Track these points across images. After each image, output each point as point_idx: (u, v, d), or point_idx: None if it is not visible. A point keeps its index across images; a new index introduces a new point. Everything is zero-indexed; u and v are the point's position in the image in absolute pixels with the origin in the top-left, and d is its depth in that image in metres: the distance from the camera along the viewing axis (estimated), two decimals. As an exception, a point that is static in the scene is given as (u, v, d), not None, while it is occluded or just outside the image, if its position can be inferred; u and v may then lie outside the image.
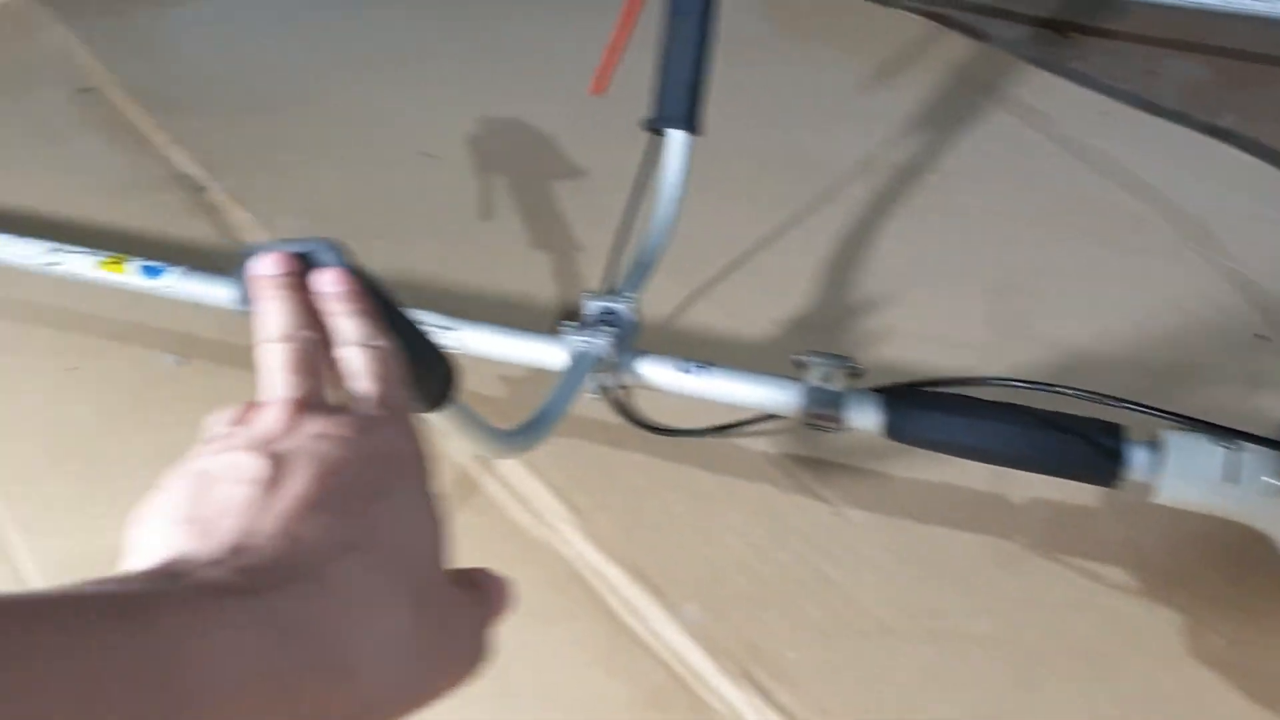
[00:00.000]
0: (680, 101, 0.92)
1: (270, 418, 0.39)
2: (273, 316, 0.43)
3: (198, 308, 0.89)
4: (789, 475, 0.88)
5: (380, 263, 1.05)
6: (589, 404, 0.88)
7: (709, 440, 0.89)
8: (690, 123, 0.93)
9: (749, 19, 1.47)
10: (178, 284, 0.88)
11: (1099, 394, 0.72)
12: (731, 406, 0.82)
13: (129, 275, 0.88)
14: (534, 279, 1.07)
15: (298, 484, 0.35)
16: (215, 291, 0.88)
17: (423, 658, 0.35)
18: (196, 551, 0.33)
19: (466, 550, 0.82)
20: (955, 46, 1.43)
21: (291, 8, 1.58)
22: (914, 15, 1.50)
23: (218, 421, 0.40)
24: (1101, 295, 1.04)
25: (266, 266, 0.45)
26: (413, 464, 0.40)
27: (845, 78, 1.37)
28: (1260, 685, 0.73)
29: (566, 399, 0.76)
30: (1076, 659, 0.75)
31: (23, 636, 0.26)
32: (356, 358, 0.43)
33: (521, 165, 1.25)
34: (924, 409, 0.76)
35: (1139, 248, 1.10)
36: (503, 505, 0.84)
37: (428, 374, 0.54)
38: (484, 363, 0.86)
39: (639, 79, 0.96)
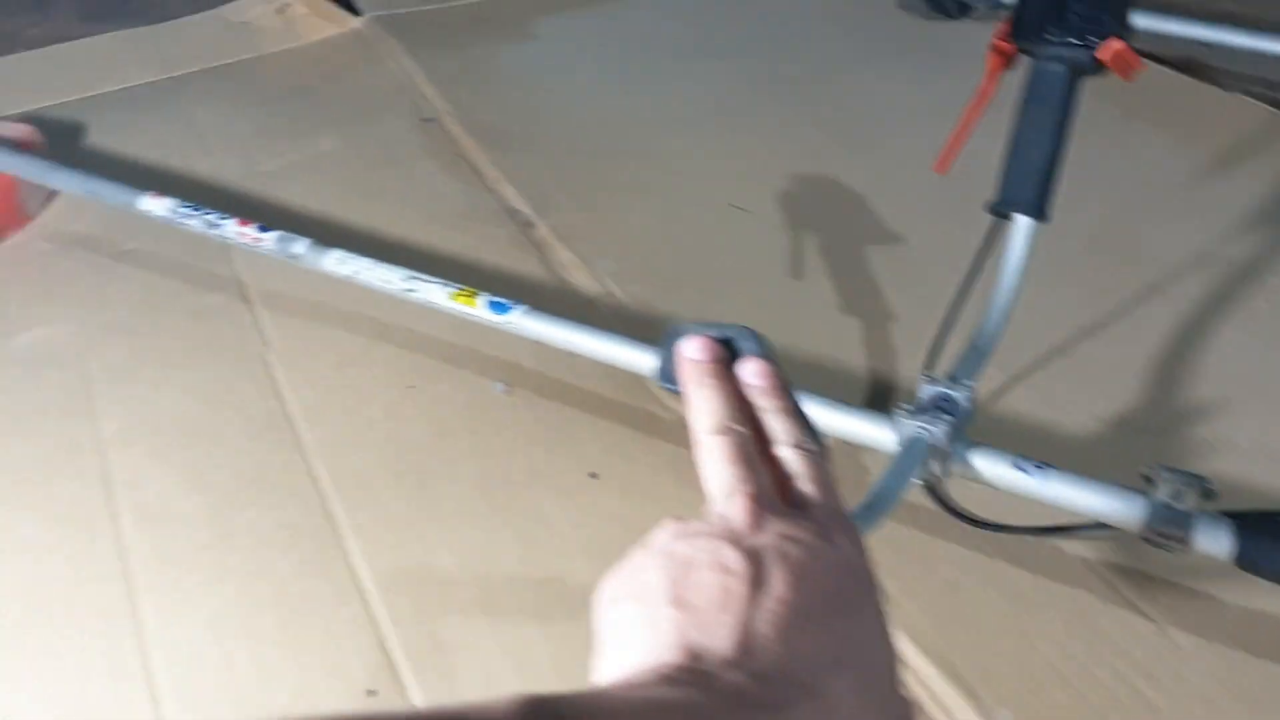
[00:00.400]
0: (1030, 188, 0.91)
1: (736, 512, 0.39)
2: (707, 406, 0.45)
3: (524, 340, 0.93)
4: (1109, 585, 0.84)
5: (691, 312, 1.09)
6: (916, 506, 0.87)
7: (1026, 539, 0.86)
8: (1038, 210, 0.91)
9: (1084, 98, 1.42)
10: (521, 321, 0.92)
11: None
12: (1061, 510, 0.79)
13: (479, 309, 0.93)
14: (843, 344, 1.07)
15: (780, 588, 0.36)
16: (553, 332, 0.91)
17: None
18: (706, 647, 0.34)
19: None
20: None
21: (620, 54, 1.64)
22: (1256, 102, 1.42)
23: (664, 528, 0.41)
24: None
25: (696, 351, 0.47)
26: (869, 577, 0.40)
27: (1181, 164, 1.31)
28: None
29: (900, 484, 0.76)
30: None
31: None
32: (795, 460, 0.43)
33: (835, 226, 1.25)
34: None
35: None
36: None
37: None
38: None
39: (968, 157, 0.95)
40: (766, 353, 0.48)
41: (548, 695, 0.27)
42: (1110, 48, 0.85)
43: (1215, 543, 0.73)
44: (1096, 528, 0.82)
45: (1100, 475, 0.78)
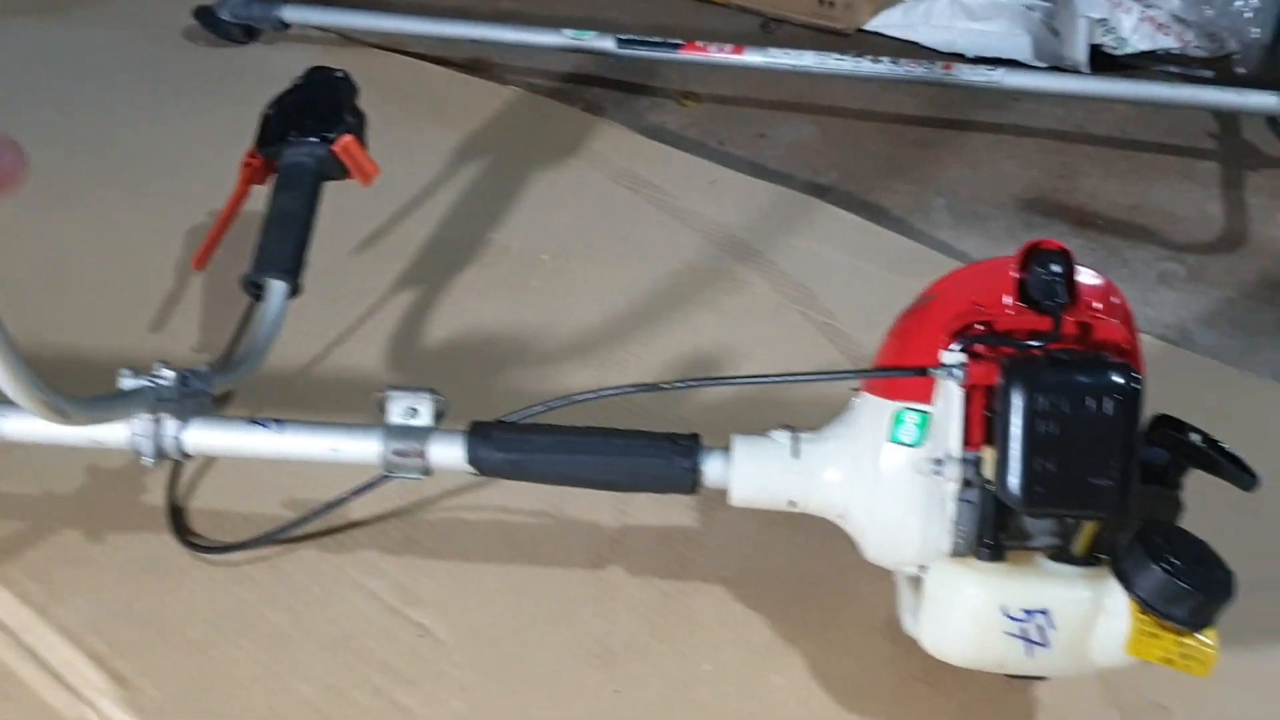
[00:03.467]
0: (285, 260, 0.92)
1: None
2: None
3: None
4: (374, 598, 0.83)
5: None
6: (149, 559, 0.83)
7: (288, 565, 0.84)
8: (293, 279, 0.92)
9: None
10: None
11: (653, 384, 0.77)
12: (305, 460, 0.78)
13: None
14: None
15: None
16: None
17: None
18: None
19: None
20: (569, 121, 1.42)
21: None
22: (524, 90, 1.48)
23: None
24: (707, 364, 1.05)
25: None
26: None
27: (462, 157, 1.34)
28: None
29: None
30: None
31: None
32: None
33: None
34: (506, 439, 0.75)
35: (743, 312, 1.12)
36: (33, 684, 0.75)
37: None
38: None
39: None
40: None
41: None
42: (342, 143, 0.96)
43: (450, 452, 0.75)
44: (331, 507, 0.83)
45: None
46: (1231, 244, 1.28)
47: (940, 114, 1.48)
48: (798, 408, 0.79)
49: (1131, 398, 0.58)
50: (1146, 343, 1.03)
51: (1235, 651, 0.76)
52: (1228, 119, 1.45)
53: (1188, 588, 0.56)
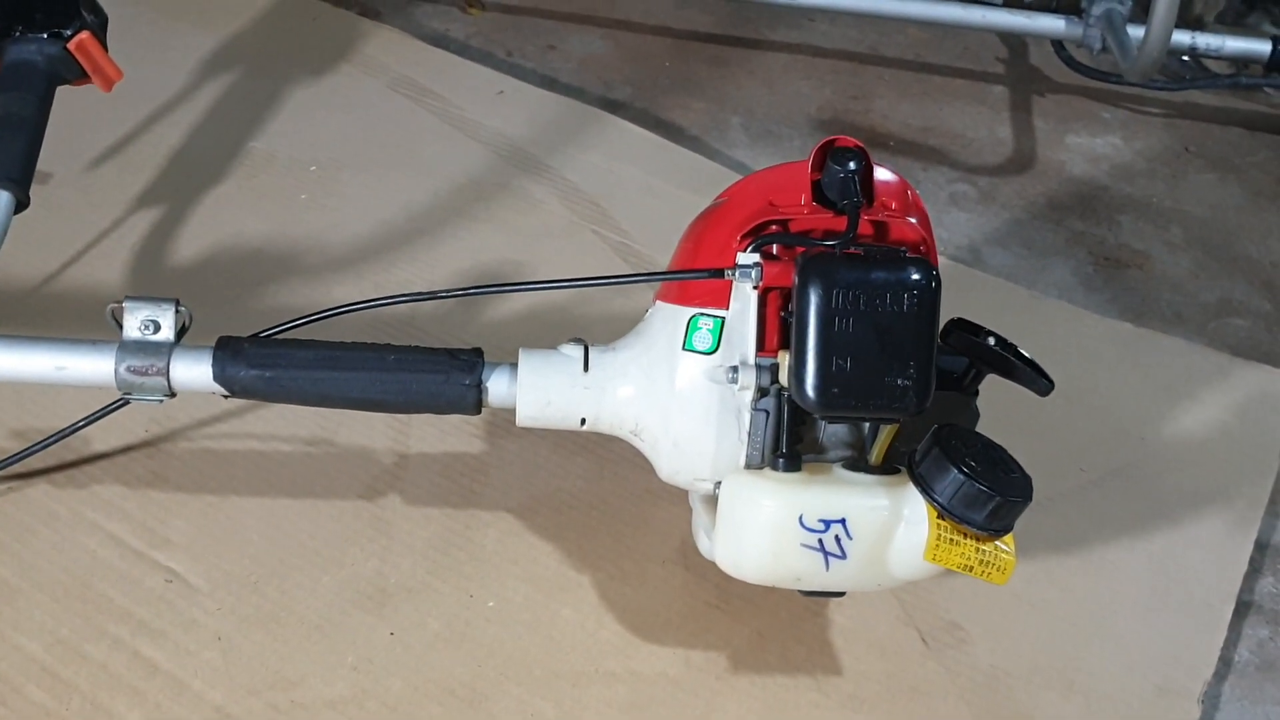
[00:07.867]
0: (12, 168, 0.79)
1: None
2: None
3: None
4: (115, 541, 0.73)
5: None
6: None
7: (12, 506, 0.74)
8: (22, 189, 0.79)
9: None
10: None
11: (431, 293, 0.70)
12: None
13: None
14: None
15: None
16: None
17: None
18: None
19: None
20: (342, 24, 1.31)
21: None
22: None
23: None
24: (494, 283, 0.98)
25: None
26: None
27: (212, 58, 1.21)
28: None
29: None
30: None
31: None
32: None
33: None
34: (260, 354, 0.67)
35: (533, 230, 1.06)
36: None
37: None
38: None
39: None
40: None
41: None
42: (78, 40, 0.84)
43: (195, 370, 0.67)
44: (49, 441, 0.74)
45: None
46: (1020, 166, 1.30)
47: (735, 32, 1.44)
48: (590, 327, 0.74)
49: (929, 295, 0.56)
50: (939, 264, 1.07)
51: (1025, 569, 0.77)
52: (1016, 44, 1.47)
53: (987, 491, 0.53)
